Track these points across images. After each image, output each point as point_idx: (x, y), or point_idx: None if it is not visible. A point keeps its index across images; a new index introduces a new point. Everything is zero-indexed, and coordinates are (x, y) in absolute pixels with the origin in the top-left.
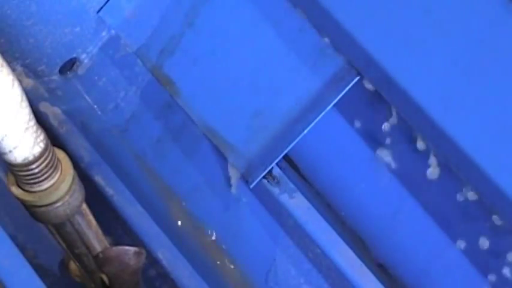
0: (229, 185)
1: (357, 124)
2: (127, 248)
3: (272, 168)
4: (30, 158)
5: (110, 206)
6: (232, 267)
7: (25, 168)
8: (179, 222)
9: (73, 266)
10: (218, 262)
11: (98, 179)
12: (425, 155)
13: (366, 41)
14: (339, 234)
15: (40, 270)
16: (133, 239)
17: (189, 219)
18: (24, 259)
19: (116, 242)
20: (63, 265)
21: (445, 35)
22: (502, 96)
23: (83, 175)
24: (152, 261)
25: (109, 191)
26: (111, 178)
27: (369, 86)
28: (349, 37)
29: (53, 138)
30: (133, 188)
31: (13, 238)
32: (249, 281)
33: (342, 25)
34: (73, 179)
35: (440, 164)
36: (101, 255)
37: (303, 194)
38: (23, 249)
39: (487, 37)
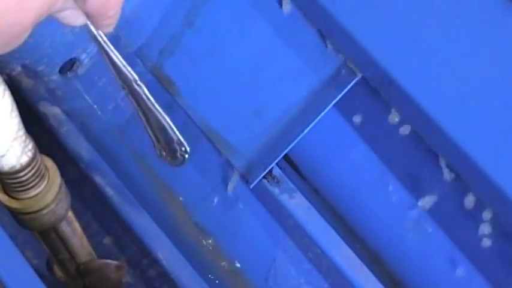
0: (229, 185)
1: (357, 124)
2: (108, 261)
3: (272, 168)
4: (17, 166)
5: (110, 206)
6: (232, 267)
7: (11, 176)
8: (179, 223)
9: (57, 267)
10: (218, 262)
11: (98, 179)
12: (427, 154)
13: (366, 41)
14: (339, 234)
15: (40, 270)
16: (133, 239)
17: (189, 219)
18: (24, 259)
19: (116, 242)
20: (49, 265)
21: (445, 35)
22: (502, 96)
23: (83, 175)
24: (152, 261)
25: (109, 191)
26: (111, 178)
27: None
28: (349, 37)
29: (53, 138)
30: (133, 188)
31: (13, 238)
32: (249, 281)
33: (342, 25)
34: (59, 187)
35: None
36: (82, 266)
37: (303, 194)
38: (23, 249)
39: (487, 37)
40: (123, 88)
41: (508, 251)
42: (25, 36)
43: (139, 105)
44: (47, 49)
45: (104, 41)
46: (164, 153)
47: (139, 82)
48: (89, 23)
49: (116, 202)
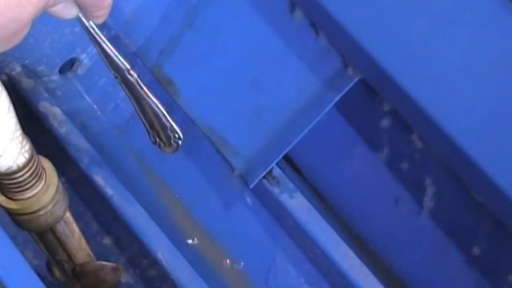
0: (229, 185)
1: (357, 124)
2: (104, 263)
3: (272, 168)
4: (14, 167)
5: (110, 206)
6: (232, 267)
7: (8, 177)
8: (179, 223)
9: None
10: (218, 262)
11: (98, 179)
12: (424, 153)
13: (365, 41)
14: (339, 234)
15: (40, 271)
16: (133, 239)
17: (189, 219)
18: (24, 259)
19: (116, 242)
20: (49, 266)
21: (445, 35)
22: (501, 95)
23: (83, 175)
24: (152, 261)
25: (109, 191)
26: (111, 178)
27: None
28: (349, 37)
29: (53, 138)
30: (133, 188)
31: (13, 238)
32: (249, 281)
33: (342, 25)
34: (57, 188)
35: (438, 164)
36: (77, 268)
37: (303, 194)
38: (23, 249)
39: (487, 37)
40: (116, 77)
41: None
42: (24, 32)
43: (132, 94)
44: (47, 49)
45: (96, 32)
46: (158, 140)
47: (131, 72)
48: (80, 14)
49: (115, 202)
